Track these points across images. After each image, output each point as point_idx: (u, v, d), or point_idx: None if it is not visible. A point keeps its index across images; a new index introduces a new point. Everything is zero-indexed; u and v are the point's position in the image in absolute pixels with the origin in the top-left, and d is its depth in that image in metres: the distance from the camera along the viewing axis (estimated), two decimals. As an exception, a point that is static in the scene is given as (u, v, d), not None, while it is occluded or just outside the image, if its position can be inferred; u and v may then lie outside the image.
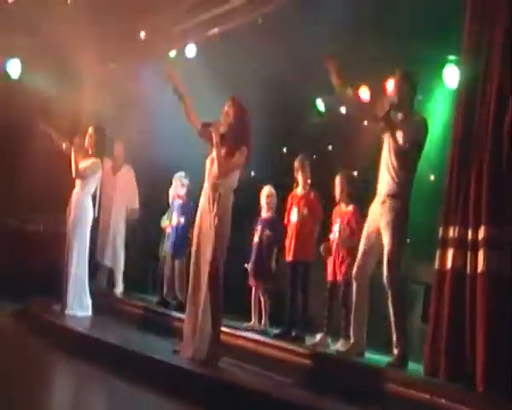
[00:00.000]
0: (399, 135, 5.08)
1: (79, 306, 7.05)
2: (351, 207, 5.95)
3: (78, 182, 7.20)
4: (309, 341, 5.87)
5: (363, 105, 5.29)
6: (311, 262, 6.15)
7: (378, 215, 5.14)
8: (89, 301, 7.15)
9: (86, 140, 7.22)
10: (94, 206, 7.39)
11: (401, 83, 5.19)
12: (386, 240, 5.05)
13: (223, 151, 5.24)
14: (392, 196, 5.07)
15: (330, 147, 8.57)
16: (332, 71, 5.19)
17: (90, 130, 7.28)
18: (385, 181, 5.14)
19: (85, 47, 7.95)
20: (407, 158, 5.07)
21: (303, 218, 6.14)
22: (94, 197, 7.37)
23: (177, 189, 7.55)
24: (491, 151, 4.52)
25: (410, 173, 5.11)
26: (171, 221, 7.64)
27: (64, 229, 7.29)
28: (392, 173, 5.09)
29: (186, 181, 7.55)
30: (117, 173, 8.53)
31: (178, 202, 7.59)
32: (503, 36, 4.58)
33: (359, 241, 5.33)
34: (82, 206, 7.14)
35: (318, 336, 5.86)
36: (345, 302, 5.76)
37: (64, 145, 7.19)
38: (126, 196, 8.45)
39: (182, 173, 7.58)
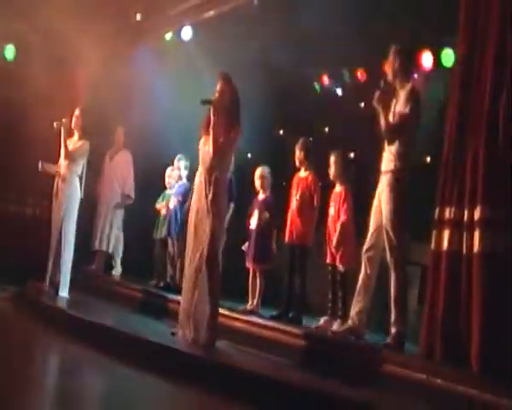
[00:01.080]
0: (391, 109, 5.11)
1: (67, 287, 7.08)
2: (339, 189, 5.93)
3: (65, 163, 7.22)
4: (313, 324, 5.87)
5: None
6: (309, 245, 6.14)
7: (379, 192, 5.17)
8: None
9: (73, 121, 7.25)
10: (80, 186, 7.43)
11: (394, 57, 5.20)
12: (384, 217, 5.06)
13: (218, 132, 5.21)
14: (390, 171, 5.09)
15: (327, 128, 8.53)
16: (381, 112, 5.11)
17: (77, 111, 7.32)
18: (385, 158, 5.17)
19: (82, 31, 7.89)
20: (400, 132, 5.07)
21: (301, 201, 6.14)
22: (80, 178, 7.39)
23: (179, 171, 7.51)
24: (486, 132, 4.51)
25: (405, 147, 5.08)
26: (169, 203, 7.64)
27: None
28: (389, 149, 5.11)
29: (187, 163, 7.54)
30: (114, 158, 8.53)
31: (179, 184, 7.57)
32: (499, 21, 4.56)
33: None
34: (71, 186, 7.18)
35: (322, 320, 5.87)
36: (342, 284, 5.77)
37: (54, 125, 7.20)
38: (122, 181, 8.45)
39: (182, 156, 7.57)
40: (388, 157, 5.13)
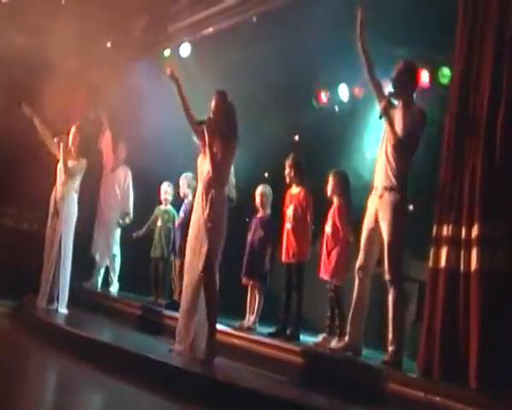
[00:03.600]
0: (397, 125, 5.09)
1: (65, 302, 7.09)
2: (335, 203, 5.95)
3: (62, 178, 7.26)
4: (311, 340, 5.87)
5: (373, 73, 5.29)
6: (305, 262, 6.14)
7: (375, 209, 5.13)
8: None
9: (70, 139, 7.31)
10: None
11: (402, 72, 5.17)
12: (385, 235, 5.04)
13: (214, 148, 5.24)
14: (390, 188, 5.05)
15: (323, 145, 8.56)
16: (360, 20, 5.12)
17: (73, 129, 7.39)
18: (382, 173, 5.11)
19: (80, 47, 7.94)
20: (404, 149, 5.06)
21: (296, 217, 6.14)
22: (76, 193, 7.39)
23: (184, 188, 7.49)
24: (484, 149, 4.54)
25: (407, 165, 5.08)
26: (174, 221, 7.65)
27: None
28: (390, 165, 5.07)
29: (193, 182, 7.51)
30: (115, 171, 8.55)
31: (185, 201, 7.56)
32: (495, 32, 4.61)
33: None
34: (70, 202, 7.22)
35: (321, 337, 5.86)
36: (338, 300, 5.77)
37: (55, 140, 7.25)
38: (120, 197, 8.46)
39: (189, 174, 7.49)
40: (389, 172, 5.06)
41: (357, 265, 5.21)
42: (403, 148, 5.04)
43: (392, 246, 4.99)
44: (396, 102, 5.20)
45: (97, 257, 8.44)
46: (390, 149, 5.07)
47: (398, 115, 5.13)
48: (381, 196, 5.10)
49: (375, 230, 5.13)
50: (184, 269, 5.43)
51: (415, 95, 5.26)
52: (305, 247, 6.10)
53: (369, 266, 5.18)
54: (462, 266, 4.54)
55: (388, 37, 6.15)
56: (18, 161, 8.97)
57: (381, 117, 5.15)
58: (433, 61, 6.78)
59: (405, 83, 5.16)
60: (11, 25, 8.28)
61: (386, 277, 5.02)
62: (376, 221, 5.12)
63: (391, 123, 5.09)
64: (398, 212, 5.01)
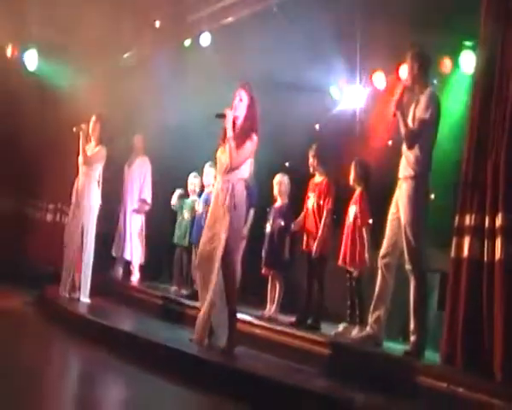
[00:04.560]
0: (411, 116, 5.06)
1: (88, 292, 7.15)
2: (357, 192, 5.92)
3: (83, 169, 7.29)
4: (332, 330, 5.85)
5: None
6: (326, 252, 6.11)
7: (396, 200, 5.13)
8: None
9: (90, 128, 7.31)
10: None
11: (412, 61, 5.16)
12: (404, 224, 5.02)
13: (234, 142, 5.23)
14: (409, 177, 5.04)
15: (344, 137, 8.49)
16: (398, 99, 5.06)
17: (94, 118, 7.39)
18: (403, 164, 5.13)
19: (100, 37, 7.97)
20: (419, 138, 5.02)
21: (317, 205, 6.13)
22: (98, 183, 7.41)
23: (208, 178, 7.47)
24: (508, 138, 4.47)
25: (425, 153, 5.04)
26: (194, 210, 7.65)
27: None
28: (407, 156, 5.06)
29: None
30: (132, 165, 8.59)
31: (206, 191, 7.53)
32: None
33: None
34: (92, 192, 7.24)
35: (341, 326, 5.84)
36: (358, 290, 5.75)
37: (74, 130, 7.28)
38: (140, 187, 8.50)
39: (211, 163, 7.46)
40: (407, 163, 5.08)
41: (380, 254, 5.20)
42: (414, 137, 5.01)
43: (410, 235, 4.97)
44: (411, 92, 5.16)
45: (116, 249, 8.49)
46: (406, 139, 5.06)
47: (412, 106, 5.11)
48: (400, 187, 5.11)
49: (397, 220, 5.11)
50: (197, 257, 5.42)
51: (429, 81, 5.23)
52: (327, 237, 6.07)
53: (391, 255, 5.15)
54: (485, 256, 4.48)
55: (409, 23, 6.09)
56: (42, 156, 9.08)
57: (394, 114, 5.08)
58: (456, 47, 6.69)
59: (416, 70, 5.13)
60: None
61: (407, 266, 4.99)
62: (397, 211, 5.10)
63: (403, 116, 5.05)
64: (415, 201, 4.99)
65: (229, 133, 5.22)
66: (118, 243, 8.52)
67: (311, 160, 6.23)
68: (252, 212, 6.52)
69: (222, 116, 5.29)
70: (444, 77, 6.82)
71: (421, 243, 5.02)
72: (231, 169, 5.24)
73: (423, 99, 5.07)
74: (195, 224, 7.44)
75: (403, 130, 5.07)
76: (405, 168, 5.10)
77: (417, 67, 5.14)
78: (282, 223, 6.37)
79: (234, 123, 5.29)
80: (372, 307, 5.23)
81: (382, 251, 5.19)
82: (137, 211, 8.51)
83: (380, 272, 5.20)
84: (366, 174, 5.94)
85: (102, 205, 7.38)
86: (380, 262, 5.20)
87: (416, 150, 5.03)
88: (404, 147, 5.11)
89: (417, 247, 4.98)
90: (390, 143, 7.12)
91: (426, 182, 5.06)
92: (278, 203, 6.53)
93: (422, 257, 5.04)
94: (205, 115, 5.62)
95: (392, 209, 5.20)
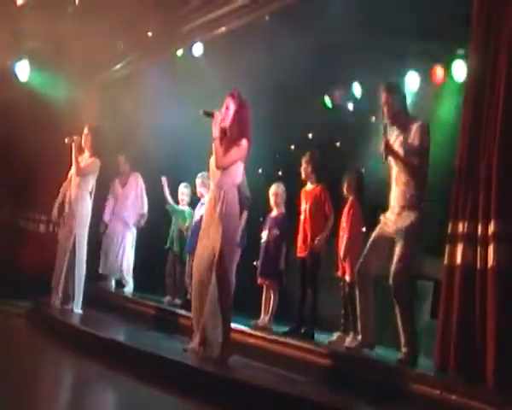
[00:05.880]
0: (401, 150, 5.04)
1: (80, 303, 7.12)
2: (350, 201, 5.93)
3: (76, 180, 7.28)
4: (326, 339, 5.85)
5: None
6: (320, 255, 6.12)
7: (391, 224, 5.10)
8: None
9: (83, 140, 7.31)
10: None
11: (387, 96, 5.13)
12: (398, 249, 5.00)
13: (223, 145, 5.22)
14: (407, 207, 5.02)
15: (338, 144, 8.53)
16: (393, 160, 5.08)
17: (86, 130, 7.39)
18: (397, 194, 5.10)
19: (92, 47, 7.98)
20: (414, 169, 5.02)
21: (310, 213, 6.12)
22: (90, 193, 7.40)
23: (200, 188, 7.47)
24: (500, 145, 4.49)
25: (421, 182, 5.05)
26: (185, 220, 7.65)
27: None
28: (403, 187, 5.05)
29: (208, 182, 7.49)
30: (125, 186, 8.58)
31: (201, 201, 7.53)
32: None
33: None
34: (84, 203, 7.23)
35: (335, 335, 5.84)
36: (351, 298, 5.75)
37: (66, 140, 7.27)
38: (135, 204, 8.50)
39: (205, 173, 7.47)
40: (402, 194, 5.04)
41: (357, 266, 5.22)
42: (412, 168, 5.00)
43: (403, 263, 4.93)
44: (392, 129, 5.14)
45: (103, 267, 8.49)
46: (400, 173, 5.04)
47: (397, 143, 5.07)
48: (398, 214, 5.06)
49: (384, 242, 5.10)
50: (193, 267, 5.41)
51: (408, 110, 5.19)
52: (321, 239, 6.07)
53: (369, 269, 5.16)
54: (478, 263, 4.49)
55: (399, 30, 6.12)
56: (35, 167, 9.05)
57: (386, 158, 5.04)
58: (447, 55, 6.74)
59: (393, 104, 5.09)
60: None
61: (392, 289, 4.95)
62: (389, 235, 5.08)
63: (396, 158, 5.04)
64: (414, 230, 4.97)
65: (215, 133, 5.21)
66: (104, 261, 8.48)
67: (304, 166, 6.24)
68: (245, 214, 6.49)
69: (209, 115, 5.27)
70: (436, 85, 6.88)
71: (410, 275, 5.01)
72: (221, 176, 5.24)
73: (414, 129, 5.02)
74: (190, 233, 7.44)
75: (400, 167, 5.04)
76: (403, 198, 5.03)
77: (392, 100, 5.09)
78: (278, 232, 6.38)
79: (224, 131, 5.28)
80: (358, 314, 5.25)
81: (360, 260, 5.19)
82: (136, 225, 8.49)
83: (357, 280, 5.22)
84: (359, 184, 5.97)
85: (94, 214, 7.38)
86: (356, 270, 5.22)
87: (412, 181, 5.01)
88: (397, 178, 5.08)
89: (406, 275, 4.94)
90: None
91: (423, 211, 5.04)
92: (274, 213, 6.54)
93: (408, 284, 5.01)
94: (198, 124, 5.61)
95: (380, 227, 5.15)
